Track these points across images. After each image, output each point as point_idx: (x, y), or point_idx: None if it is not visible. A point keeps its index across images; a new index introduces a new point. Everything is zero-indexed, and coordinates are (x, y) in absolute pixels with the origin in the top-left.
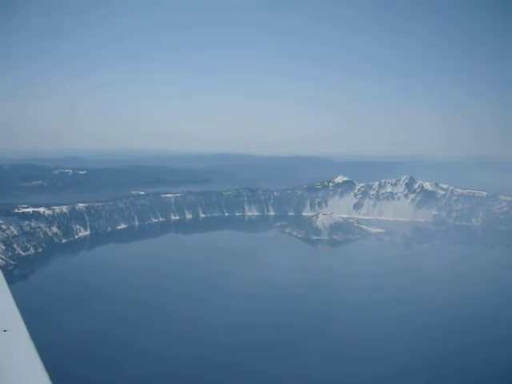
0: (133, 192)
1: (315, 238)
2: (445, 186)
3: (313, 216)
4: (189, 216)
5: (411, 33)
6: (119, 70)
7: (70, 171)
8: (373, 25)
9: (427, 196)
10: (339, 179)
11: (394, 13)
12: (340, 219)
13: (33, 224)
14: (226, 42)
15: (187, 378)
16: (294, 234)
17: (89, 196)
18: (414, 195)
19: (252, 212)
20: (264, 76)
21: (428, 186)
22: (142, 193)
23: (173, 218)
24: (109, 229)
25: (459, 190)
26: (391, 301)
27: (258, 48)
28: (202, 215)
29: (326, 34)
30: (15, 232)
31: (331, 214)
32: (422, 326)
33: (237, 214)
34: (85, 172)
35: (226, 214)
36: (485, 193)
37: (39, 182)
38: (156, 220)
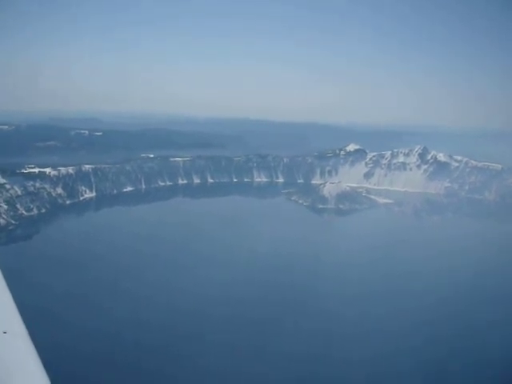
0: (143, 155)
1: (321, 206)
2: (459, 158)
3: (320, 184)
4: (197, 181)
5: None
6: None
7: (86, 132)
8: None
9: (440, 167)
10: (351, 147)
11: None
12: (348, 188)
13: (37, 184)
14: (243, 10)
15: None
16: (300, 201)
17: (100, 157)
18: (426, 166)
19: (261, 178)
20: (278, 43)
21: (441, 157)
22: (152, 156)
23: (180, 182)
24: (115, 191)
25: (473, 163)
26: (387, 277)
27: (272, 16)
28: (210, 180)
29: (339, 5)
30: (19, 192)
31: (339, 182)
32: (429, 302)
33: (245, 180)
34: (100, 133)
35: (235, 180)
36: (500, 166)
37: (53, 142)
38: (163, 184)
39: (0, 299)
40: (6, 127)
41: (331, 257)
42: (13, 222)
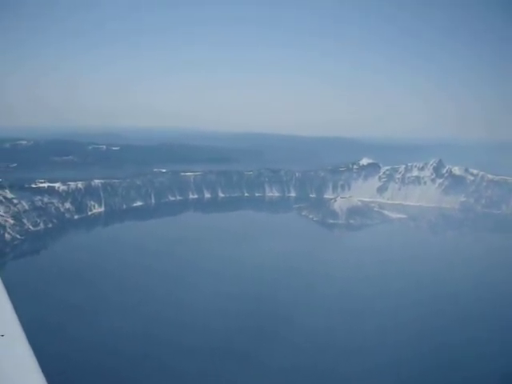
0: (155, 169)
1: (331, 221)
2: (475, 172)
3: (331, 199)
4: (207, 195)
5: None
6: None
7: (104, 147)
8: (399, 12)
9: (455, 181)
10: (364, 161)
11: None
12: (359, 203)
13: (45, 199)
14: (256, 20)
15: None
16: (311, 216)
17: (114, 172)
18: (441, 180)
19: (272, 193)
20: (293, 54)
21: (457, 170)
22: (164, 170)
23: (191, 196)
24: (124, 206)
25: (490, 176)
26: (383, 295)
27: (287, 28)
28: (221, 195)
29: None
30: (26, 207)
31: (350, 197)
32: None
33: (257, 194)
34: (118, 148)
35: (246, 195)
36: None
37: (70, 157)
38: (173, 198)
39: None
40: (25, 142)
41: (336, 272)
42: (18, 236)
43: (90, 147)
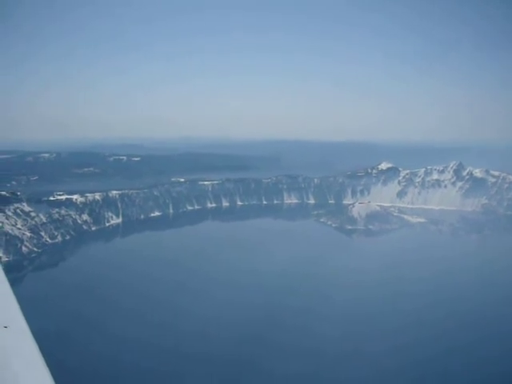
0: (173, 179)
1: (350, 227)
2: (496, 174)
3: (349, 205)
4: (225, 204)
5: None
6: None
7: (124, 158)
8: (412, 13)
9: (476, 184)
10: (383, 166)
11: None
12: (378, 208)
13: (62, 211)
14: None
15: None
16: (329, 223)
17: (133, 183)
18: (462, 183)
19: (291, 200)
20: (310, 59)
21: (478, 173)
22: (182, 180)
23: (209, 205)
24: (142, 216)
25: None
26: (390, 298)
27: (308, 33)
28: (239, 203)
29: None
30: (44, 219)
31: (369, 202)
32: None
33: (275, 201)
34: (138, 159)
35: (264, 202)
36: None
37: (91, 168)
38: (191, 208)
39: (1, 295)
40: (47, 155)
41: (353, 278)
42: (35, 249)
43: (111, 158)
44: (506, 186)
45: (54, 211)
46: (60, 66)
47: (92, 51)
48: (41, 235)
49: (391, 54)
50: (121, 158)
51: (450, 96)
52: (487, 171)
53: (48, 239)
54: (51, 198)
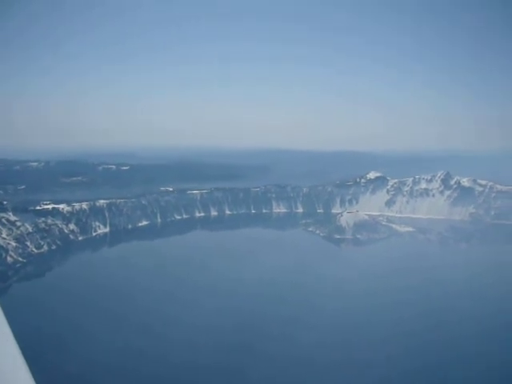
0: (162, 188)
1: (338, 237)
2: (483, 183)
3: (338, 214)
4: (214, 213)
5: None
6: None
7: (114, 167)
8: (415, 25)
9: (464, 193)
10: (371, 175)
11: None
12: (366, 217)
13: (49, 221)
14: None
15: None
16: (317, 232)
17: (121, 192)
18: (450, 192)
19: (279, 209)
20: (300, 69)
21: (465, 182)
22: (171, 189)
23: (197, 214)
24: (129, 226)
25: (499, 187)
26: (378, 307)
27: (291, 40)
28: (227, 212)
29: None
30: (30, 229)
31: (357, 211)
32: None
33: (264, 211)
34: (128, 168)
35: (253, 211)
36: None
37: (79, 177)
38: (179, 217)
39: None
40: (36, 164)
41: (341, 287)
42: (21, 259)
43: (100, 167)
44: (493, 194)
45: (40, 221)
46: (55, 74)
47: (85, 59)
48: (26, 245)
49: (389, 63)
50: (110, 166)
51: (444, 107)
52: (474, 180)
53: (34, 249)
54: (38, 208)
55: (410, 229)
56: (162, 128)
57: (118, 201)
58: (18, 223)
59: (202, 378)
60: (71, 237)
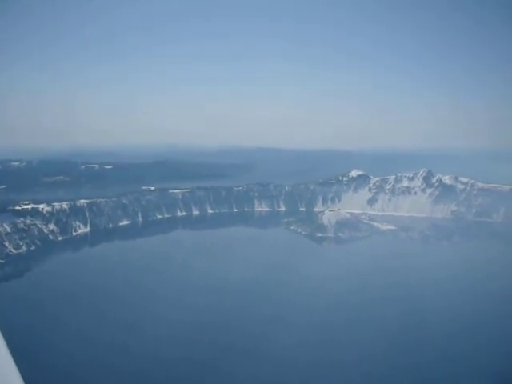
0: (143, 187)
1: (320, 235)
2: (465, 180)
3: (320, 212)
4: (196, 212)
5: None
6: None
7: (96, 166)
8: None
9: (446, 190)
10: (354, 173)
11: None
12: (348, 215)
13: (28, 221)
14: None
15: None
16: (299, 230)
17: (103, 191)
18: (431, 190)
19: (262, 208)
20: (277, 64)
21: (447, 180)
22: (152, 188)
23: (179, 214)
24: (110, 225)
25: (480, 185)
26: (360, 305)
27: (279, 37)
28: (209, 211)
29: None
30: (8, 229)
31: (338, 210)
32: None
33: (246, 209)
34: (111, 167)
35: (235, 210)
36: (508, 187)
37: (61, 177)
38: (161, 216)
39: None
40: (17, 163)
41: (322, 285)
42: None
43: (83, 167)
44: (475, 192)
45: (19, 221)
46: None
47: (73, 60)
48: (4, 245)
49: (375, 62)
50: (93, 166)
51: (422, 103)
52: (456, 178)
53: (12, 249)
54: (17, 208)
55: (392, 227)
56: (147, 127)
57: (99, 200)
58: None
59: (180, 373)
60: (51, 237)
